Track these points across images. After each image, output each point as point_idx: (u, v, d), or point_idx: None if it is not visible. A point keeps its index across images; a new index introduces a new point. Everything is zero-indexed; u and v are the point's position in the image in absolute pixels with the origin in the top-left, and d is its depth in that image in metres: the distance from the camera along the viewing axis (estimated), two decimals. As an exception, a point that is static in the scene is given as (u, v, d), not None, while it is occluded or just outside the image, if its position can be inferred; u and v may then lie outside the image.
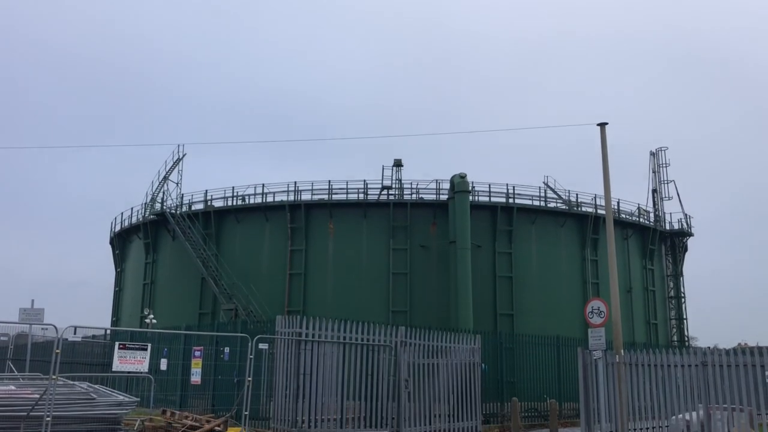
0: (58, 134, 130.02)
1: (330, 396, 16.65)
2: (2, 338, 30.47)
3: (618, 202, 39.31)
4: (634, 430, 15.84)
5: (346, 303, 33.07)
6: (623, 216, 39.82)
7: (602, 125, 18.55)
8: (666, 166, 45.91)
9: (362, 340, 17.57)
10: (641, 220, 41.64)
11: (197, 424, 15.89)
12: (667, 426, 15.19)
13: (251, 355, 15.50)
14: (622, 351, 16.56)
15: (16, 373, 20.16)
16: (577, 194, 39.20)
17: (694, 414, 14.70)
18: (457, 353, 19.68)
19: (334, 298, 34.28)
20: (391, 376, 17.86)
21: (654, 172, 46.05)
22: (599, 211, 36.95)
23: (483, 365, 20.70)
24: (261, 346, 16.75)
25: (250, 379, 15.36)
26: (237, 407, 15.91)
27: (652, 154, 46.48)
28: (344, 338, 17.24)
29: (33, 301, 22.76)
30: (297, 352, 16.35)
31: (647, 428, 15.62)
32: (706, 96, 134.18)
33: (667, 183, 45.51)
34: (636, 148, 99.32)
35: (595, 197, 38.17)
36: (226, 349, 19.14)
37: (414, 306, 34.16)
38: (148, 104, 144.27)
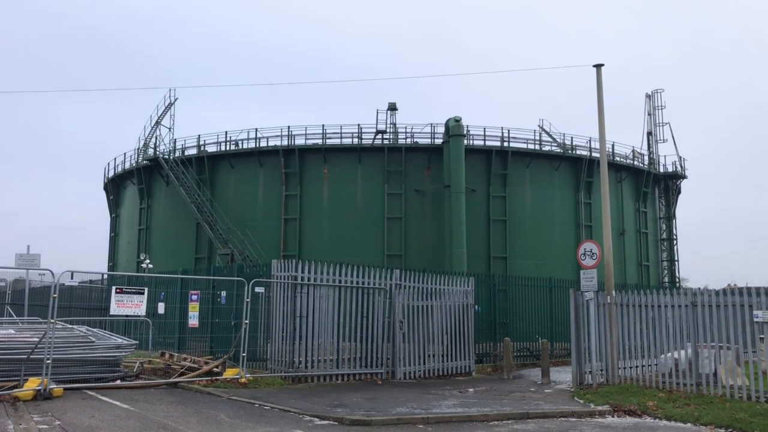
0: (50, 79, 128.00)
1: (326, 337, 16.92)
2: (0, 284, 30.69)
3: (613, 145, 39.25)
4: (624, 368, 16.15)
5: (341, 247, 33.28)
6: (618, 159, 39.79)
7: (598, 67, 18.32)
8: (661, 109, 45.68)
9: (357, 283, 17.75)
10: (635, 162, 41.61)
11: (196, 365, 16.17)
12: (656, 364, 15.50)
13: (248, 298, 15.68)
14: (614, 292, 16.75)
15: (15, 318, 20.42)
16: (572, 137, 39.10)
17: (682, 352, 14.99)
18: (450, 295, 19.93)
19: (329, 243, 34.46)
20: (386, 317, 18.13)
21: (649, 114, 45.81)
22: (594, 154, 36.89)
23: (476, 307, 20.98)
24: (257, 289, 16.92)
25: (247, 321, 15.58)
26: (235, 349, 16.16)
27: (648, 96, 46.14)
28: (340, 281, 17.40)
29: (29, 246, 22.76)
30: (293, 295, 16.52)
31: (637, 367, 15.94)
32: (703, 37, 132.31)
33: (663, 125, 45.37)
34: (632, 90, 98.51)
35: (589, 140, 38.09)
36: (223, 293, 19.28)
37: (408, 249, 34.41)
38: (138, 48, 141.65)
